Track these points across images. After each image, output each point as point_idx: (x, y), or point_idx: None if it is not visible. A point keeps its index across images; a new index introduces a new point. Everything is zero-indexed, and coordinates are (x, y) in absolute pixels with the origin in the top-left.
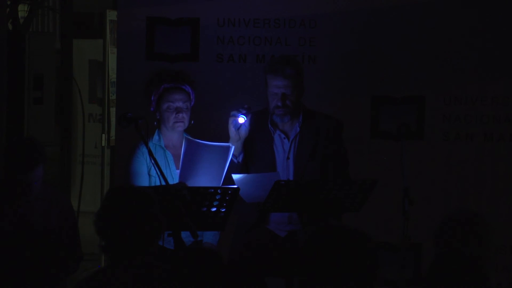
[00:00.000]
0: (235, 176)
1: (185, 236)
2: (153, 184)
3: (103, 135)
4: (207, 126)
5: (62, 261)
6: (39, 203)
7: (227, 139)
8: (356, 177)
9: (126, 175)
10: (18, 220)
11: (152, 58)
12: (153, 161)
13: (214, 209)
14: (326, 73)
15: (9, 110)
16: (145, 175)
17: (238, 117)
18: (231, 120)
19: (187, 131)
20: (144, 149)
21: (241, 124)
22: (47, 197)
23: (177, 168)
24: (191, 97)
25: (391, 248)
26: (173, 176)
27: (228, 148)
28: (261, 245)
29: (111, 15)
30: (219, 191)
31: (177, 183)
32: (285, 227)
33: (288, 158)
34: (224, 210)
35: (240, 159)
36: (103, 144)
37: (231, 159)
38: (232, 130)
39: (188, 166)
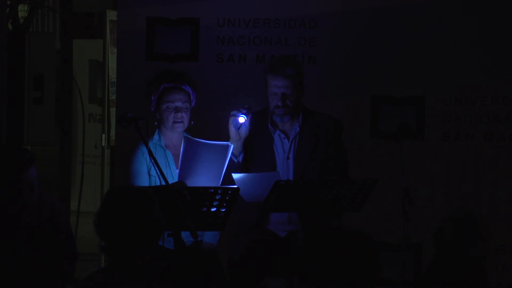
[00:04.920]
0: (235, 175)
1: (185, 236)
2: (153, 184)
3: (103, 135)
4: (207, 126)
5: (57, 262)
6: (30, 207)
7: (227, 139)
8: (356, 177)
9: (126, 175)
10: (10, 222)
11: (152, 58)
12: (153, 161)
13: (214, 209)
14: (326, 73)
15: (9, 110)
16: (145, 175)
17: (239, 116)
18: (231, 119)
19: (187, 130)
20: (144, 149)
21: (241, 124)
22: (38, 201)
23: (177, 168)
24: (191, 97)
25: (391, 248)
26: (173, 175)
27: (227, 146)
28: (261, 245)
29: (111, 15)
30: (219, 191)
31: (176, 182)
32: (285, 227)
33: (288, 158)
34: (224, 210)
35: (240, 158)
36: (103, 144)
37: (231, 159)
38: (232, 129)
39: (187, 165)
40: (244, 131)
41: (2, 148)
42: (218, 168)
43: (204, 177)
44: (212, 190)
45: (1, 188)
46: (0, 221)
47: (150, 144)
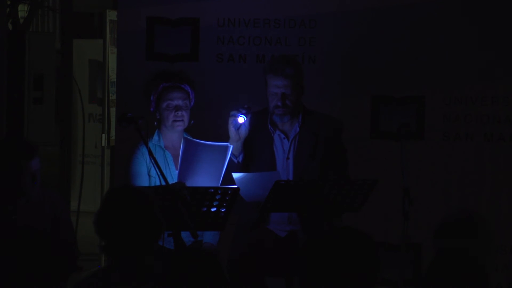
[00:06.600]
0: (235, 175)
1: (185, 236)
2: (153, 185)
3: (103, 135)
4: (207, 126)
5: (58, 261)
6: (33, 205)
7: (227, 139)
8: (356, 177)
9: (126, 175)
10: (11, 221)
11: (152, 58)
12: (153, 161)
13: (214, 209)
14: (326, 73)
15: (9, 110)
16: (145, 176)
17: (238, 117)
18: (231, 120)
19: (187, 131)
20: (144, 150)
21: (241, 124)
22: (40, 199)
23: (177, 169)
24: (191, 96)
25: (391, 248)
26: (173, 176)
27: (227, 147)
28: (261, 245)
29: (111, 15)
30: (219, 191)
31: (175, 183)
32: (285, 227)
33: (287, 158)
34: (224, 210)
35: (240, 159)
36: (103, 144)
37: (231, 159)
38: (232, 130)
39: (186, 166)
40: (243, 131)
41: (6, 139)
42: (218, 169)
43: (204, 178)
44: (212, 190)
45: (4, 178)
46: (2, 216)
47: (150, 145)
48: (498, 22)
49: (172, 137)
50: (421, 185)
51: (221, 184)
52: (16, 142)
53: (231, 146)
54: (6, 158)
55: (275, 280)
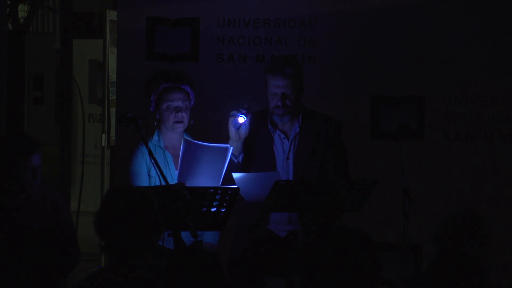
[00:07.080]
0: (235, 175)
1: (185, 236)
2: (152, 185)
3: (103, 135)
4: (207, 126)
5: (59, 261)
6: (33, 203)
7: (227, 139)
8: (356, 177)
9: (126, 175)
10: (12, 220)
11: (152, 58)
12: (153, 161)
13: (214, 209)
14: (326, 73)
15: (9, 110)
16: (145, 176)
17: (238, 117)
18: (231, 120)
19: (187, 131)
20: (144, 150)
21: (241, 124)
22: (41, 197)
23: (177, 169)
24: (191, 96)
25: (391, 248)
26: (173, 176)
27: (227, 149)
28: (261, 245)
29: (111, 15)
30: (219, 191)
31: (175, 184)
32: (285, 227)
33: (287, 158)
34: (224, 210)
35: (240, 159)
36: (103, 144)
37: (231, 159)
38: (232, 130)
39: (186, 167)
40: (243, 131)
41: (7, 135)
42: (218, 171)
43: (203, 180)
44: (212, 190)
45: (3, 172)
46: (2, 213)
47: (150, 145)
48: (499, 22)
49: (172, 137)
50: (421, 185)
51: (221, 185)
52: (17, 137)
53: (231, 148)
54: (6, 153)
55: (275, 280)
